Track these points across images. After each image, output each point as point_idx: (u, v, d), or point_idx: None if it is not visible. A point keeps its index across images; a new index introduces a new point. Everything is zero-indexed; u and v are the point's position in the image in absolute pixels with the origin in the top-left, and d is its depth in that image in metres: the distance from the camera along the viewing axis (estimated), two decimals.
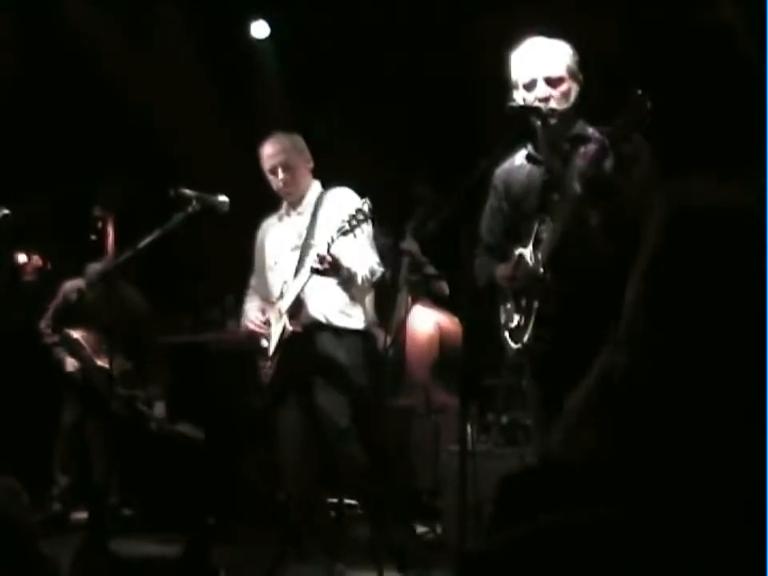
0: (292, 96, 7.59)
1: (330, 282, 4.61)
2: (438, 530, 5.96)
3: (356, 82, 7.16)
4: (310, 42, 7.27)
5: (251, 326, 4.74)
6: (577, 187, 3.52)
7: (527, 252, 3.69)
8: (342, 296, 4.67)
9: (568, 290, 3.56)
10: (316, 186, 4.83)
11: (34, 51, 7.18)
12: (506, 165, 3.91)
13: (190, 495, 6.15)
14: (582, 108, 3.77)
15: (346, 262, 4.51)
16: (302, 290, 4.54)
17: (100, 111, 7.41)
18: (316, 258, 4.39)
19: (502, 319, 3.83)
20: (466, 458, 3.94)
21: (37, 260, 5.99)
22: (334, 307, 4.67)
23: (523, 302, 3.71)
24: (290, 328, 4.59)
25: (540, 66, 3.69)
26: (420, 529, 6.07)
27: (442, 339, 6.44)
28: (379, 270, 4.70)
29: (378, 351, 5.17)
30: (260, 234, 5.01)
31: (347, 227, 4.31)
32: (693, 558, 2.07)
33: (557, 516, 1.96)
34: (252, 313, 4.82)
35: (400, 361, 6.31)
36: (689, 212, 1.97)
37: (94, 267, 5.92)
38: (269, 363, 4.68)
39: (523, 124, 3.73)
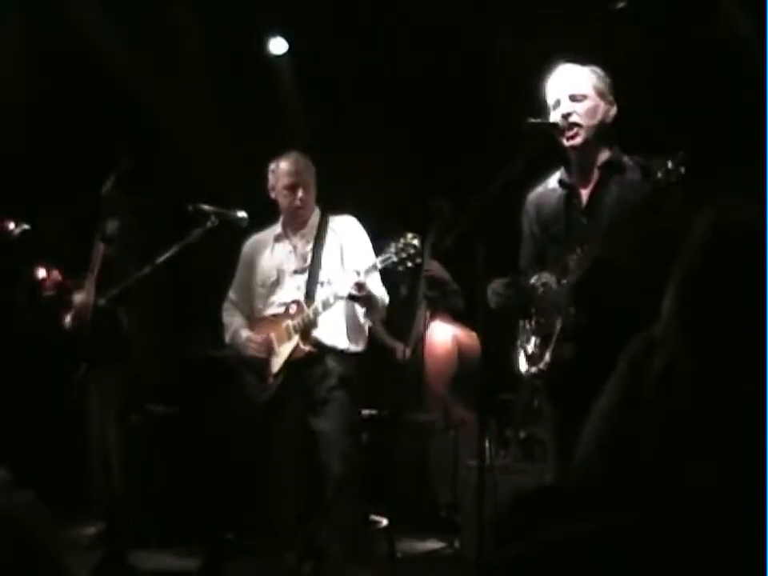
0: (309, 112, 7.60)
1: (338, 303, 4.62)
2: (456, 544, 5.96)
3: (373, 98, 7.18)
4: (328, 58, 7.29)
5: (252, 345, 4.72)
6: (610, 217, 3.52)
7: (552, 278, 3.68)
8: (350, 320, 4.68)
9: (591, 318, 3.55)
10: (317, 212, 4.86)
11: (54, 69, 7.22)
12: (539, 188, 3.92)
13: (207, 509, 6.16)
14: (616, 134, 3.77)
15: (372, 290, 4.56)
16: (323, 312, 4.55)
17: (117, 126, 7.44)
18: (353, 285, 4.38)
19: (519, 341, 3.82)
20: (484, 472, 3.94)
21: (56, 275, 5.97)
22: (342, 330, 4.68)
23: (543, 326, 3.70)
24: (304, 348, 4.58)
25: (565, 85, 3.73)
26: (438, 544, 6.08)
27: (461, 354, 6.44)
28: (386, 299, 4.73)
29: (396, 365, 5.18)
30: (248, 250, 4.99)
31: (395, 260, 4.30)
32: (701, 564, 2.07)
33: (570, 529, 1.96)
34: (244, 332, 4.81)
35: (419, 376, 6.32)
36: (727, 233, 1.97)
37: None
38: (269, 380, 4.67)
39: (542, 140, 3.73)
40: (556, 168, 3.88)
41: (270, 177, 4.85)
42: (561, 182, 3.82)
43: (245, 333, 4.79)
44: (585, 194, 3.72)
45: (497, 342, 3.99)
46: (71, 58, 7.20)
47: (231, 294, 4.99)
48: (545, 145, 3.75)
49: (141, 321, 5.75)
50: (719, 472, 2.35)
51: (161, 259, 5.23)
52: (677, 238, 3.23)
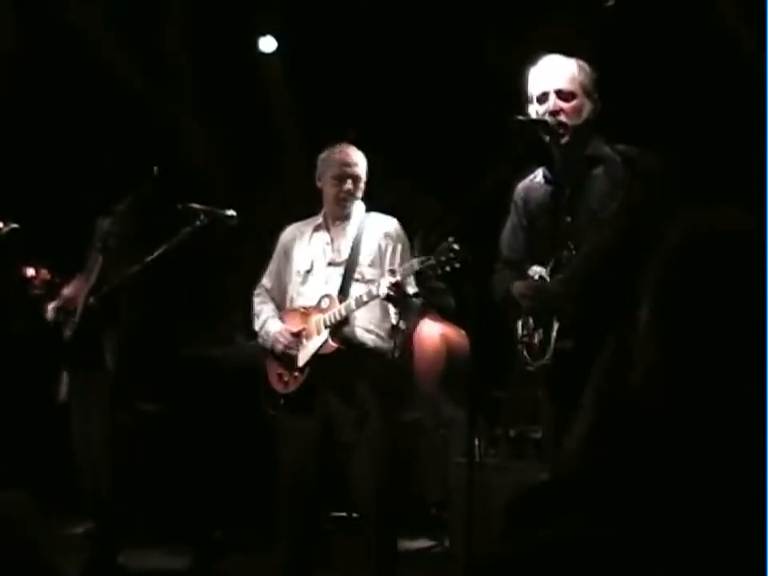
0: (300, 110, 7.60)
1: (375, 302, 4.59)
2: (446, 542, 5.96)
3: (363, 95, 7.18)
4: (318, 56, 7.29)
5: (282, 340, 4.68)
6: (595, 210, 3.53)
7: (545, 272, 3.69)
8: (381, 316, 4.66)
9: (588, 311, 3.56)
10: (362, 207, 4.82)
11: (42, 65, 7.22)
12: (526, 181, 3.93)
13: (197, 507, 6.16)
14: (598, 127, 3.76)
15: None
16: (356, 309, 4.53)
17: (106, 124, 7.43)
18: (389, 284, 4.36)
19: (519, 334, 3.82)
20: (474, 470, 3.94)
21: (45, 274, 5.97)
22: (373, 327, 4.65)
23: (543, 321, 3.71)
24: (333, 344, 4.55)
25: (552, 79, 3.71)
26: (427, 542, 6.08)
27: (450, 352, 6.45)
28: (419, 299, 4.72)
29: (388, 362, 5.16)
30: (287, 237, 4.91)
31: (433, 263, 4.27)
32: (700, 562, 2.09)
33: (565, 527, 1.97)
34: (274, 322, 4.78)
35: (408, 374, 6.32)
36: (699, 242, 1.98)
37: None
38: (295, 374, 4.64)
39: (530, 137, 3.74)
40: (541, 161, 3.87)
41: (319, 165, 4.80)
42: (545, 177, 3.83)
43: (275, 324, 4.73)
44: (568, 189, 3.73)
45: (486, 339, 4.00)
46: (61, 53, 7.19)
47: (265, 281, 4.92)
48: (533, 142, 3.75)
49: (132, 319, 5.74)
50: (699, 473, 2.37)
51: (150, 258, 5.23)
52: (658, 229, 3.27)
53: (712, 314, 2.46)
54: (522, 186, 3.93)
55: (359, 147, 4.79)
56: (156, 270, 5.44)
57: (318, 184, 4.80)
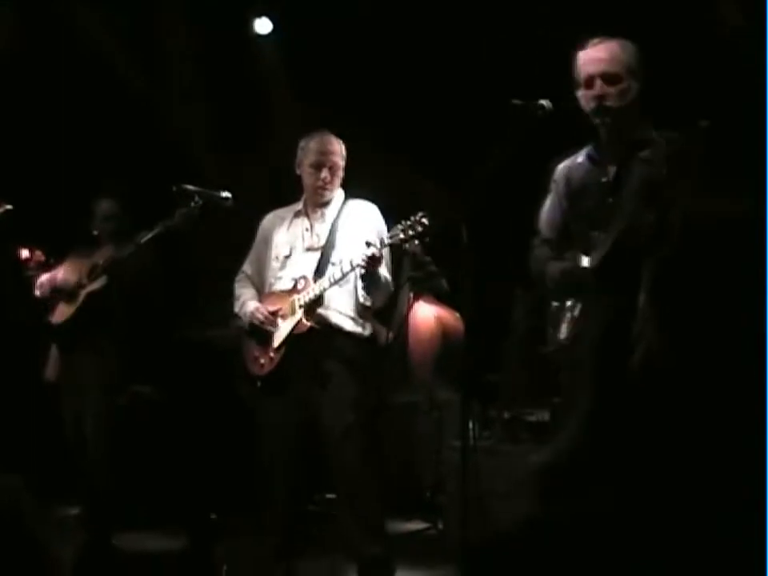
0: (295, 92, 7.59)
1: (348, 285, 4.62)
2: (440, 525, 5.99)
3: (359, 78, 7.17)
4: (313, 38, 7.27)
5: (258, 314, 4.72)
6: (637, 193, 3.52)
7: (578, 256, 3.68)
8: (355, 301, 4.67)
9: (617, 293, 3.55)
10: (340, 194, 4.84)
11: (34, 44, 7.19)
12: (568, 161, 3.89)
13: (191, 490, 6.18)
14: (647, 110, 3.72)
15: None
16: (329, 287, 4.55)
17: (101, 106, 7.42)
18: (364, 257, 4.38)
19: (552, 315, 3.82)
20: (468, 453, 3.96)
21: (39, 255, 5.97)
22: (347, 310, 4.67)
23: (573, 302, 3.70)
24: (306, 323, 4.58)
25: (597, 63, 3.67)
26: (421, 525, 6.11)
27: (444, 335, 6.46)
28: (390, 278, 4.72)
29: (380, 348, 5.17)
30: (267, 224, 4.97)
31: (402, 236, 4.31)
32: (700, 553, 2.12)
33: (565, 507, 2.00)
34: (252, 303, 4.81)
35: (403, 357, 6.33)
36: (699, 225, 2.01)
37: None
38: (270, 355, 4.67)
39: (528, 122, 3.72)
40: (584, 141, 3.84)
41: (299, 153, 4.83)
42: (590, 158, 3.79)
43: (252, 304, 4.77)
44: (612, 171, 3.69)
45: (481, 322, 4.00)
46: (54, 38, 7.17)
47: (246, 266, 4.98)
48: (532, 127, 3.74)
49: (127, 301, 5.75)
50: (697, 459, 2.38)
51: (144, 239, 5.23)
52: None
53: (711, 297, 2.50)
54: (563, 165, 3.90)
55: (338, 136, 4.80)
56: (151, 252, 5.45)
57: (298, 171, 4.84)
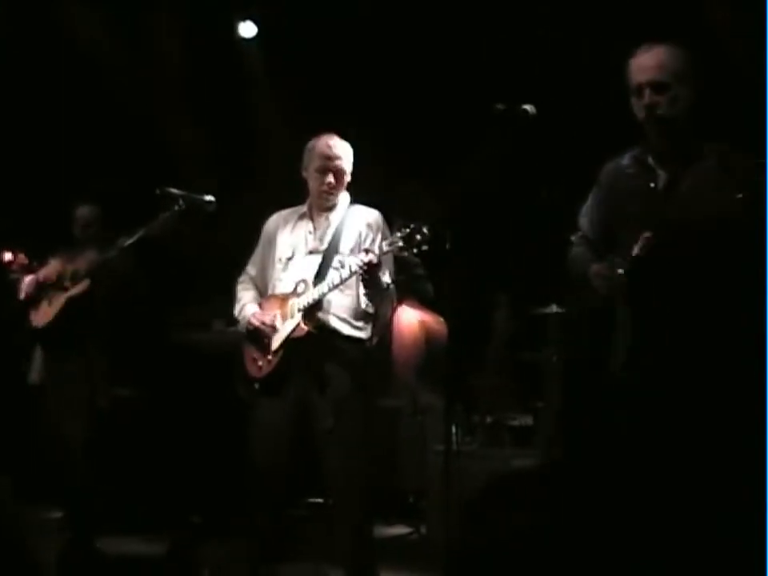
0: (279, 95, 7.59)
1: (350, 290, 4.61)
2: (423, 529, 5.99)
3: (343, 80, 7.17)
4: (297, 41, 7.27)
5: (255, 321, 4.71)
6: (686, 203, 3.50)
7: (618, 260, 3.66)
8: (355, 306, 4.67)
9: (657, 300, 3.55)
10: (346, 198, 4.83)
11: (15, 48, 7.18)
12: (613, 162, 3.85)
13: (174, 494, 6.17)
14: (698, 115, 3.67)
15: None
16: (328, 292, 4.54)
17: (84, 109, 7.41)
18: (362, 263, 4.38)
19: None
20: (451, 458, 3.97)
21: (22, 258, 5.96)
22: (347, 315, 4.66)
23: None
24: (304, 327, 4.57)
25: (646, 71, 3.61)
26: (405, 529, 6.11)
27: (428, 339, 6.46)
28: (392, 285, 4.71)
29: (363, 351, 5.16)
30: (271, 225, 4.92)
31: (401, 244, 4.30)
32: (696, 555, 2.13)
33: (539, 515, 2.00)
34: (251, 307, 4.81)
35: (386, 361, 6.32)
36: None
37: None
38: (269, 358, 4.66)
39: (512, 127, 3.72)
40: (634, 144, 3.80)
41: (305, 156, 4.80)
42: (639, 162, 3.74)
43: (252, 308, 4.76)
44: (662, 178, 3.65)
45: (464, 327, 4.01)
46: (37, 40, 7.16)
47: (249, 267, 4.95)
48: (516, 131, 3.73)
49: (110, 304, 5.74)
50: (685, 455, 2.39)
51: (127, 243, 5.22)
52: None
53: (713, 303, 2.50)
54: (611, 167, 3.84)
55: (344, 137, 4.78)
56: (134, 255, 5.44)
57: (304, 174, 4.81)
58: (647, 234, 3.51)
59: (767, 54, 4.05)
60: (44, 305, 5.84)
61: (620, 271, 3.58)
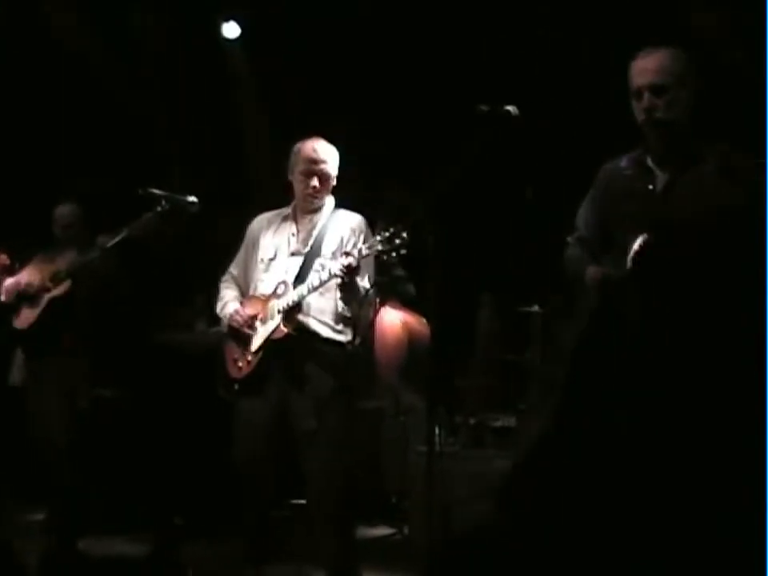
0: (262, 96, 7.59)
1: (330, 293, 4.61)
2: (405, 530, 5.99)
3: (327, 81, 7.17)
4: (281, 42, 7.27)
5: (237, 317, 4.71)
6: (684, 204, 3.50)
7: (616, 261, 3.66)
8: (334, 308, 4.67)
9: (655, 302, 3.55)
10: (331, 201, 4.84)
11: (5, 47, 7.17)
12: (611, 163, 3.84)
13: (157, 494, 6.15)
14: (699, 117, 3.67)
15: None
16: (308, 295, 4.55)
17: (67, 108, 7.40)
18: (342, 266, 4.38)
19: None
20: (433, 459, 3.96)
21: (4, 259, 5.93)
22: (326, 318, 4.66)
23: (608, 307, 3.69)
24: (283, 329, 4.58)
25: (645, 75, 3.62)
26: (387, 530, 6.11)
27: (410, 340, 6.46)
28: (370, 288, 4.71)
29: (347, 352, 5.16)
30: (255, 226, 4.93)
31: (380, 248, 4.31)
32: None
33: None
34: (233, 304, 4.81)
35: (369, 362, 6.32)
36: None
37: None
38: (248, 358, 4.66)
39: (494, 128, 3.72)
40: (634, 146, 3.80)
41: (291, 158, 4.80)
42: (638, 163, 3.74)
43: (232, 306, 4.77)
44: (661, 180, 3.65)
45: (447, 327, 4.01)
46: (24, 39, 7.14)
47: (232, 267, 4.96)
48: (499, 132, 3.73)
49: (92, 305, 5.72)
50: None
51: (110, 243, 5.21)
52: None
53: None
54: (607, 167, 3.85)
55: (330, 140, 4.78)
56: (116, 255, 5.42)
57: (289, 177, 4.82)
58: (644, 236, 3.54)
59: (767, 54, 4.06)
60: (25, 307, 5.81)
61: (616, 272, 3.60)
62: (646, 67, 3.63)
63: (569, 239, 3.98)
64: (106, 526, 5.96)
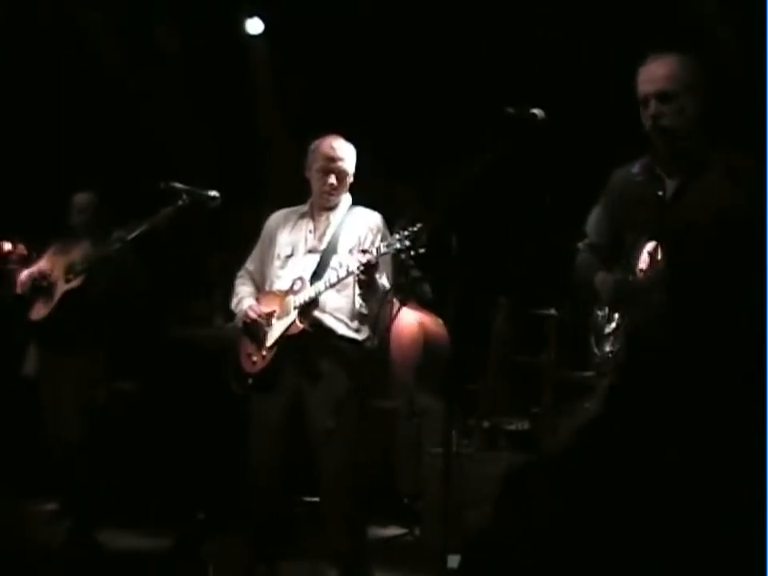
0: (285, 93, 7.59)
1: (347, 290, 4.61)
2: (417, 531, 5.98)
3: (351, 79, 7.17)
4: (304, 39, 7.27)
5: (251, 313, 4.71)
6: (693, 213, 3.48)
7: (628, 268, 3.65)
8: (351, 305, 4.67)
9: (671, 311, 3.53)
10: (347, 199, 4.84)
11: (17, 38, 7.18)
12: (623, 169, 3.83)
13: (174, 489, 6.16)
14: (709, 124, 3.63)
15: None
16: (324, 291, 4.54)
17: (90, 104, 7.41)
18: (359, 265, 4.38)
19: (595, 324, 3.78)
20: (451, 461, 3.95)
21: (21, 249, 5.95)
22: (343, 315, 4.66)
23: (621, 314, 3.66)
24: (299, 325, 4.58)
25: (652, 82, 3.60)
26: (399, 530, 6.10)
27: (426, 341, 6.45)
28: (388, 286, 4.71)
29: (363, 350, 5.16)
30: (272, 222, 4.94)
31: (398, 246, 4.30)
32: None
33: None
34: (248, 300, 4.80)
35: (384, 362, 6.31)
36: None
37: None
38: (263, 353, 4.66)
39: (520, 131, 3.71)
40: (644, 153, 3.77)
41: (309, 156, 4.81)
42: (648, 170, 3.72)
43: (249, 301, 4.77)
44: (670, 187, 3.63)
45: (465, 330, 4.00)
46: (46, 36, 7.16)
47: (248, 263, 4.97)
48: (524, 135, 3.72)
49: (109, 299, 5.73)
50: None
51: (130, 236, 5.20)
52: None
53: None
54: (620, 174, 3.83)
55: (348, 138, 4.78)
56: (134, 249, 5.43)
57: (306, 174, 4.82)
58: (651, 245, 3.53)
59: (767, 53, 4.05)
60: (40, 299, 5.82)
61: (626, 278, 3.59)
62: (652, 74, 3.61)
63: (579, 245, 3.98)
64: (125, 519, 5.94)
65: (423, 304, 6.56)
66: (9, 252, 5.92)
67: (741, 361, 3.44)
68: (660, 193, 3.64)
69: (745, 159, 3.54)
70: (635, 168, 3.77)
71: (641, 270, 3.57)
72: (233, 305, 4.90)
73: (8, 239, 5.94)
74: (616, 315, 3.68)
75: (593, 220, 3.94)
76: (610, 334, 3.68)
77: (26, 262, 5.94)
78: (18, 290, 5.86)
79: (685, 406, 3.43)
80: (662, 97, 3.57)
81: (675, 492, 3.38)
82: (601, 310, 3.75)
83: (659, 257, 3.52)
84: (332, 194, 4.76)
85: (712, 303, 3.43)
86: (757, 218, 3.36)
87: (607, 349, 3.67)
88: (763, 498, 3.24)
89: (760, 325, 3.39)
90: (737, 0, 5.88)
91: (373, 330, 4.80)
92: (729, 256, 3.40)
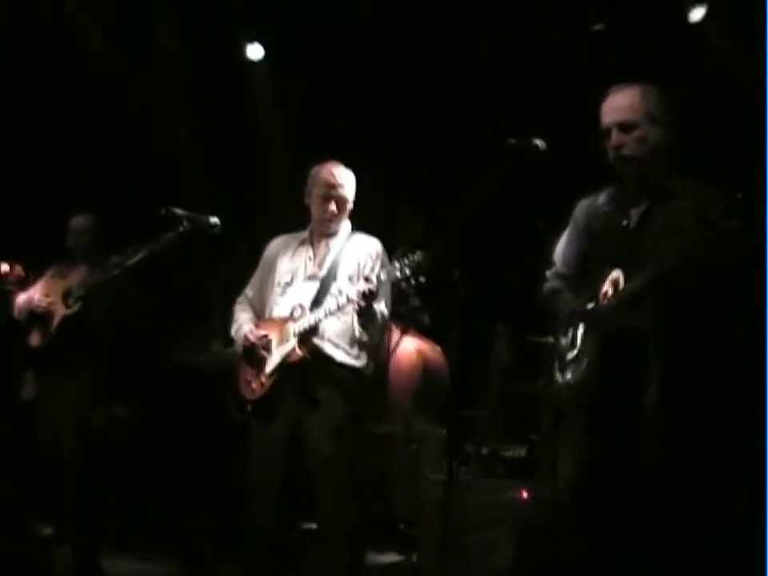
0: (286, 118, 7.61)
1: (346, 317, 4.62)
2: (414, 558, 5.96)
3: (349, 105, 7.19)
4: (305, 64, 7.30)
5: (251, 336, 4.71)
6: (657, 241, 3.48)
7: (592, 295, 3.66)
8: (350, 332, 4.68)
9: (633, 336, 3.53)
10: (347, 225, 4.85)
11: (18, 57, 7.19)
12: (589, 199, 3.86)
13: (177, 515, 6.15)
14: (673, 153, 3.67)
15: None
16: (324, 319, 4.55)
17: (90, 126, 7.42)
18: (359, 293, 4.39)
19: (558, 350, 3.78)
20: (450, 488, 3.96)
21: (19, 270, 5.94)
22: (342, 342, 4.67)
23: (584, 339, 3.67)
24: (299, 352, 4.58)
25: (613, 113, 3.63)
26: (396, 557, 6.08)
27: (425, 368, 6.46)
28: (387, 314, 4.71)
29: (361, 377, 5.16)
30: (272, 249, 4.96)
31: (398, 275, 4.31)
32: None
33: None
34: (248, 325, 4.80)
35: (382, 388, 6.31)
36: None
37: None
38: (262, 380, 4.66)
39: (522, 161, 3.73)
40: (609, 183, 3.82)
41: (309, 182, 4.82)
42: (612, 199, 3.76)
43: (247, 328, 4.77)
44: (635, 216, 3.65)
45: (465, 358, 4.01)
46: (48, 58, 7.17)
47: (247, 290, 4.98)
48: (526, 166, 3.74)
49: (108, 325, 5.71)
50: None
51: (130, 262, 5.21)
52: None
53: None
54: (584, 204, 3.87)
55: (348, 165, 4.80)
56: (135, 275, 5.42)
57: (306, 201, 4.83)
58: (616, 273, 3.54)
59: (767, 53, 4.08)
60: (38, 325, 5.80)
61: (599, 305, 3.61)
62: (613, 105, 3.65)
63: (546, 273, 4.00)
64: (122, 544, 5.93)
65: (422, 331, 6.57)
66: (6, 274, 5.90)
67: (709, 390, 3.47)
68: (624, 222, 3.66)
69: (711, 186, 3.54)
70: (602, 198, 3.81)
71: (604, 296, 3.59)
72: (232, 331, 4.90)
73: (5, 260, 5.93)
74: (578, 342, 3.70)
75: (559, 249, 3.98)
76: (571, 360, 3.70)
77: (24, 284, 5.92)
78: (16, 316, 5.85)
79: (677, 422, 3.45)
80: (623, 127, 3.60)
81: (675, 507, 3.39)
82: (564, 336, 3.78)
83: (621, 284, 3.54)
84: (332, 221, 4.77)
85: (681, 329, 3.44)
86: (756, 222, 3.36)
87: (568, 376, 3.69)
88: (763, 498, 3.26)
89: (727, 342, 3.42)
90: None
91: (372, 356, 4.81)
92: (695, 283, 3.40)
